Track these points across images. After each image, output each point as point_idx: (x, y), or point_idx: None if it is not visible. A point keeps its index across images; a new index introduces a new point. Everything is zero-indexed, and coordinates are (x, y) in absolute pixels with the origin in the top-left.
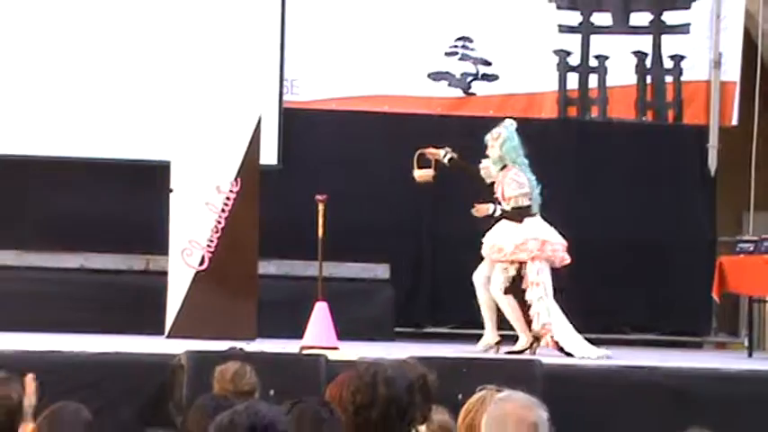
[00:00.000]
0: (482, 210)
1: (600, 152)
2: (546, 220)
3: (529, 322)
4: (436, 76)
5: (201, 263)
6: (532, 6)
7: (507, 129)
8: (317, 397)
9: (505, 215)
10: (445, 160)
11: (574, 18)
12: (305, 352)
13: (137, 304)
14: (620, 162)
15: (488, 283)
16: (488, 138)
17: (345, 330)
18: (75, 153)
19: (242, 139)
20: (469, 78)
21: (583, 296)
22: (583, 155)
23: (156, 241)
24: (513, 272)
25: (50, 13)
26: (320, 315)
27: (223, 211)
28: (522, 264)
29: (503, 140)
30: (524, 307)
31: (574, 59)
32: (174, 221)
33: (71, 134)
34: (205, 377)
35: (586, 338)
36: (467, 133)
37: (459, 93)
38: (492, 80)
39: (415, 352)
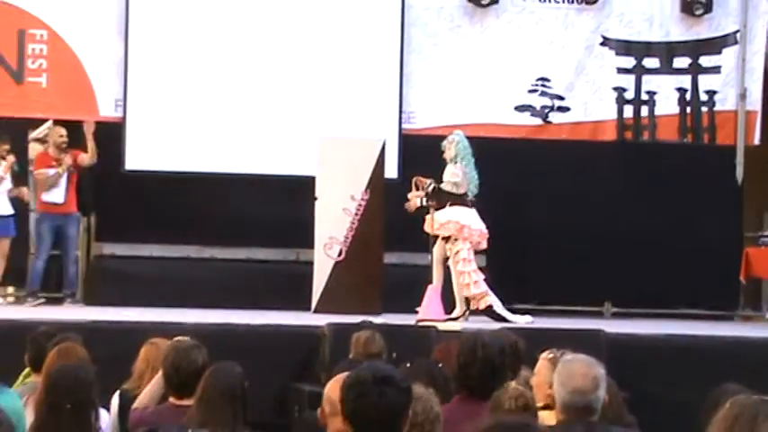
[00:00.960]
0: (411, 205)
1: (651, 167)
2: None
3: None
4: (521, 108)
5: (339, 254)
6: (597, 53)
7: (459, 135)
8: (430, 358)
9: (429, 196)
10: (429, 189)
11: (629, 62)
12: (420, 324)
13: (290, 287)
14: (667, 175)
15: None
16: (445, 142)
17: (451, 307)
18: (243, 170)
19: (371, 158)
20: (547, 110)
21: (640, 280)
22: (637, 169)
23: (304, 238)
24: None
25: (214, 58)
26: (432, 295)
27: (356, 214)
28: (446, 240)
29: (456, 143)
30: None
31: (629, 94)
32: (318, 222)
33: (242, 155)
34: (343, 343)
35: (644, 312)
36: (545, 153)
37: (539, 121)
38: (565, 111)
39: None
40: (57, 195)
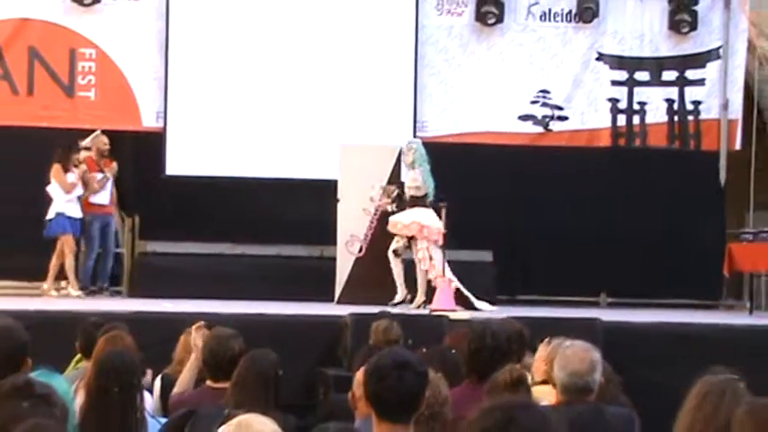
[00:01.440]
0: (383, 204)
1: (642, 171)
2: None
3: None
4: (524, 118)
5: (359, 251)
6: (592, 67)
7: (417, 142)
8: (442, 345)
9: (395, 201)
10: (394, 195)
11: (622, 75)
12: (433, 313)
13: (315, 280)
14: (656, 178)
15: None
16: (404, 148)
17: (461, 298)
18: (272, 174)
19: (388, 163)
20: (548, 119)
21: (633, 273)
22: (630, 173)
23: (328, 236)
24: (402, 243)
25: (246, 72)
26: (444, 287)
27: (375, 214)
28: (410, 239)
29: (414, 150)
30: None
31: (622, 104)
32: (340, 222)
33: (272, 160)
34: (363, 331)
35: (636, 302)
36: (545, 158)
37: (540, 129)
38: (564, 120)
39: (511, 313)
40: (103, 197)
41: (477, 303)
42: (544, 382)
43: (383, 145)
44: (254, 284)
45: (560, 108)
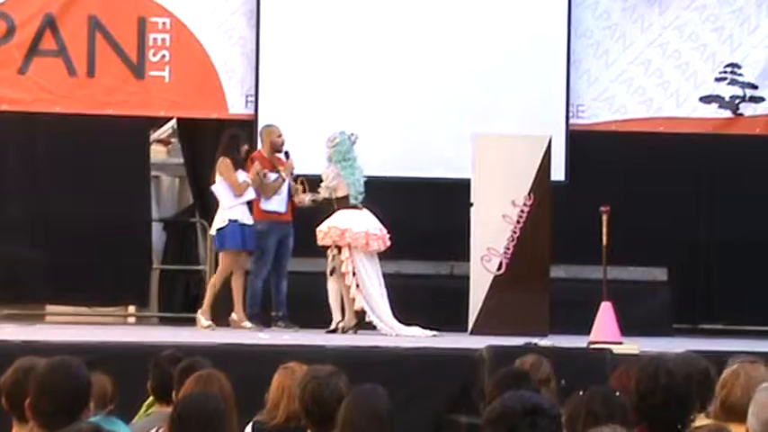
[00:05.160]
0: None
1: None
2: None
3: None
4: (707, 99)
5: (499, 268)
6: None
7: (341, 134)
8: (606, 384)
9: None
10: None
11: None
12: (592, 346)
13: (443, 305)
14: None
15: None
16: (327, 140)
17: (628, 327)
18: (388, 172)
19: (534, 158)
20: (737, 101)
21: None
22: None
23: (459, 249)
24: (331, 256)
25: (355, 45)
26: (605, 313)
27: (518, 222)
28: (338, 249)
29: (334, 144)
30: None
31: None
32: (475, 231)
33: (387, 155)
34: (503, 368)
35: None
36: (735, 150)
37: (728, 114)
38: (758, 102)
39: (692, 346)
40: (279, 204)
41: (401, 329)
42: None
43: (528, 135)
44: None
45: (754, 87)
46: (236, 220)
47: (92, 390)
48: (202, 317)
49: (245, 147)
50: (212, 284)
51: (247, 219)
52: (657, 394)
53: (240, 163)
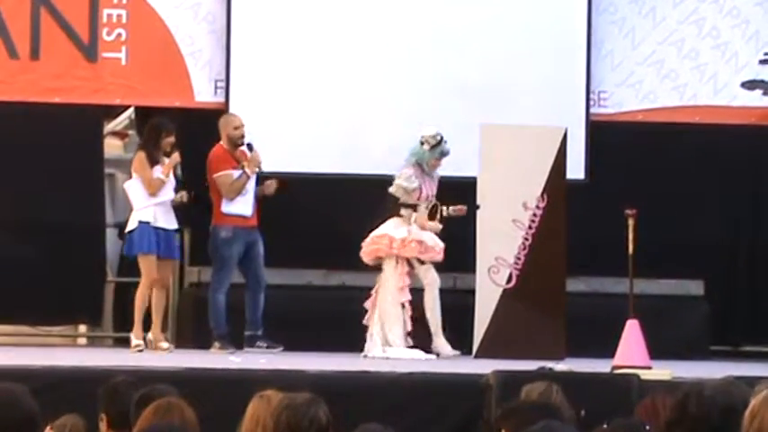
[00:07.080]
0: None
1: None
2: None
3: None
4: (750, 85)
5: (509, 280)
6: None
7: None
8: (632, 416)
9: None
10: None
11: None
12: (616, 371)
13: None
14: None
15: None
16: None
17: (658, 349)
18: (379, 170)
19: (548, 153)
20: None
21: None
22: None
23: (463, 259)
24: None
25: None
26: (632, 333)
27: (530, 227)
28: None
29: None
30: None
31: None
32: (481, 238)
33: (377, 151)
34: (514, 396)
35: None
36: None
37: None
38: None
39: (731, 372)
40: (244, 206)
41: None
42: None
43: (542, 126)
44: (354, 328)
45: None
46: (147, 222)
47: (40, 424)
48: (133, 336)
49: (170, 139)
50: (137, 298)
51: (166, 222)
52: (685, 424)
53: (160, 158)
